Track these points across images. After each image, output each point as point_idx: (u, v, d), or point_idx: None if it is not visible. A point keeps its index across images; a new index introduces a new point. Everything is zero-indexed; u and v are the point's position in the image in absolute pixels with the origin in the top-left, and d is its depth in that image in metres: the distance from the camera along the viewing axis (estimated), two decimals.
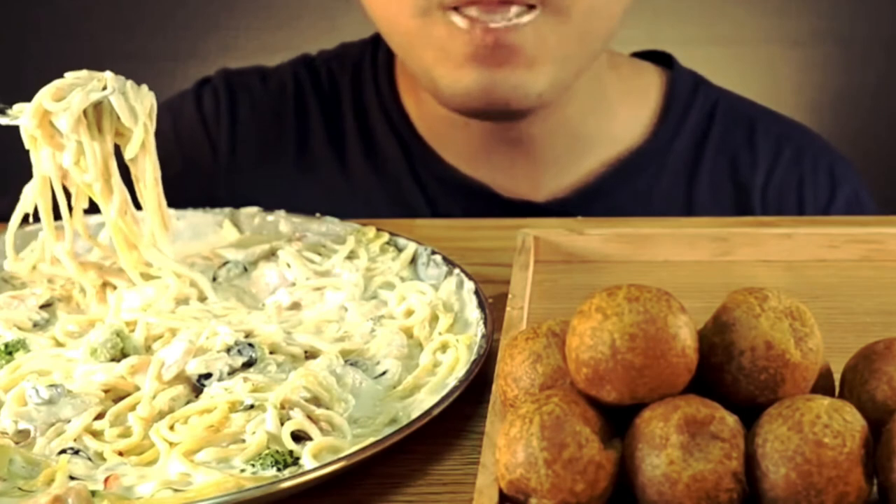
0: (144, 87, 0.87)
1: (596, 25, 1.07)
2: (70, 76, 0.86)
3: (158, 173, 0.89)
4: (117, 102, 0.85)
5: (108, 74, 0.86)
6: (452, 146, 1.19)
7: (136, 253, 0.89)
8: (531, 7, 1.02)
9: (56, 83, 0.85)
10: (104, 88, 0.85)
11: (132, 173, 0.89)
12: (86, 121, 0.85)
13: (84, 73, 0.86)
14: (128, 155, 0.87)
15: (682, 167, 1.20)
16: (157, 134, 1.23)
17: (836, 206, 1.21)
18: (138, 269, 0.89)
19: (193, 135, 1.25)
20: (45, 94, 0.85)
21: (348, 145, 1.22)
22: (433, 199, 1.19)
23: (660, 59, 1.26)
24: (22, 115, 0.85)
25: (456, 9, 1.02)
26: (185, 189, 1.22)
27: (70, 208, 0.89)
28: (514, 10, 1.01)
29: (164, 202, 0.90)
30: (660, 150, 1.20)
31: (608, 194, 1.18)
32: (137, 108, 0.86)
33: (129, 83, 0.86)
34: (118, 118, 0.86)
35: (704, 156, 1.21)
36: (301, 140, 1.24)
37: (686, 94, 1.22)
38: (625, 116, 1.21)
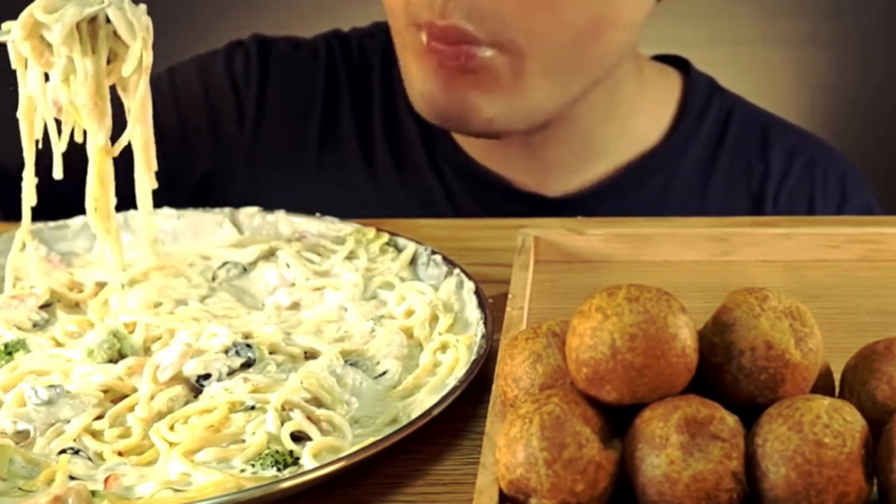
0: (142, 7, 0.83)
1: (558, 66, 1.07)
2: None
3: (150, 107, 0.85)
4: (114, 15, 0.80)
5: None
6: (471, 138, 1.19)
7: (106, 193, 0.86)
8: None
9: None
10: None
11: (124, 103, 0.84)
12: (79, 36, 0.80)
13: None
14: (125, 71, 0.82)
15: (695, 172, 1.21)
16: (186, 86, 1.23)
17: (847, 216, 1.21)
18: (101, 215, 0.86)
19: (221, 94, 1.24)
20: (36, 6, 0.80)
21: (374, 125, 1.23)
22: (450, 187, 1.20)
23: (675, 62, 1.26)
24: (12, 29, 0.80)
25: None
26: (204, 151, 1.22)
27: (59, 132, 0.84)
28: (468, 46, 1.04)
29: (151, 141, 0.86)
30: (674, 153, 1.20)
31: (622, 194, 1.18)
32: (135, 23, 0.82)
33: (127, 0, 0.82)
34: (114, 37, 0.81)
35: (718, 162, 1.21)
36: (327, 113, 1.23)
37: (702, 100, 1.22)
38: (645, 119, 1.21)
